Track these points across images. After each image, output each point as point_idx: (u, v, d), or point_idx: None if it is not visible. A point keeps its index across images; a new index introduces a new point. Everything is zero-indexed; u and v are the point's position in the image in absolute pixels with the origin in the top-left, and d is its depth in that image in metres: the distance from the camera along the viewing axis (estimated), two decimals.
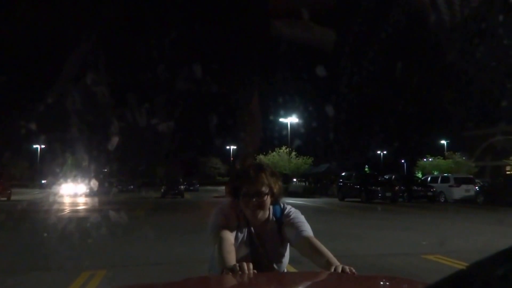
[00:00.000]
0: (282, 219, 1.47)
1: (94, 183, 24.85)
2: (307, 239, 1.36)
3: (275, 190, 1.42)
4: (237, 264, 1.14)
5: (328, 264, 1.23)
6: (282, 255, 1.47)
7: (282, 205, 1.50)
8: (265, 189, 1.39)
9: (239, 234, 1.42)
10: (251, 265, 1.13)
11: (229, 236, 1.35)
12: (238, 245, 1.40)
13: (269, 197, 1.41)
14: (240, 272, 1.11)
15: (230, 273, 1.12)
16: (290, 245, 1.45)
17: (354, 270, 1.17)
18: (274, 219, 1.47)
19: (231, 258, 1.22)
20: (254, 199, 1.38)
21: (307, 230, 1.42)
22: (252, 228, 1.45)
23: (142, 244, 6.39)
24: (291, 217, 1.46)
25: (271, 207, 1.48)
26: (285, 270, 1.52)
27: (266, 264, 1.43)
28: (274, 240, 1.46)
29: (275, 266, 1.45)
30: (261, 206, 1.40)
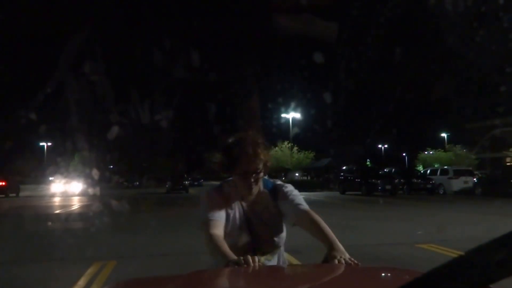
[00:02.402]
0: (275, 190, 1.46)
1: (97, 180, 24.61)
2: (306, 213, 1.35)
3: (268, 164, 1.40)
4: (242, 258, 1.11)
5: (331, 248, 1.22)
6: (280, 225, 1.43)
7: (271, 180, 1.50)
8: (262, 165, 1.37)
9: (230, 210, 1.40)
10: (256, 258, 1.12)
11: (219, 227, 1.32)
12: (231, 221, 1.38)
13: (262, 171, 1.39)
14: (245, 265, 1.09)
15: (236, 266, 1.10)
16: (289, 221, 1.42)
17: (356, 261, 1.17)
18: (266, 190, 1.46)
19: (230, 251, 1.20)
20: (252, 177, 1.36)
21: (304, 203, 1.40)
22: (243, 203, 1.43)
23: (150, 236, 6.59)
24: (287, 190, 1.44)
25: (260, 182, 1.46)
26: (282, 248, 1.48)
27: (265, 236, 1.40)
28: (269, 210, 1.43)
29: (274, 238, 1.41)
30: (257, 181, 1.39)
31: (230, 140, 1.41)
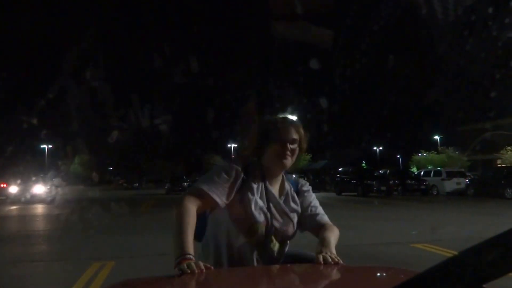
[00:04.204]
0: (298, 185, 1.43)
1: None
2: (325, 226, 1.32)
3: (304, 146, 1.36)
4: (186, 264, 1.01)
5: (320, 244, 1.21)
6: (295, 219, 1.37)
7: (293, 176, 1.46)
8: (297, 137, 1.34)
9: (254, 185, 1.30)
10: (201, 264, 1.03)
11: (200, 201, 1.19)
12: (253, 202, 1.28)
13: (298, 148, 1.35)
14: (188, 271, 0.99)
15: (180, 271, 1.01)
16: (303, 227, 1.37)
17: (337, 259, 1.15)
18: (291, 185, 1.41)
19: (190, 241, 1.09)
20: (289, 145, 1.31)
21: (325, 215, 1.38)
22: (268, 186, 1.34)
23: (148, 236, 6.55)
24: (309, 191, 1.42)
25: (284, 174, 1.41)
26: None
27: (281, 224, 1.33)
28: (292, 200, 1.38)
29: (288, 228, 1.34)
30: (293, 153, 1.33)
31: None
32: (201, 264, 1.03)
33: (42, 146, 43.59)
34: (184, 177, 29.34)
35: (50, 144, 43.73)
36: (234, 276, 1.15)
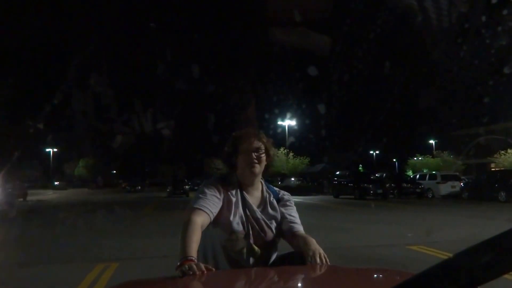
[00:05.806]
0: (279, 197, 1.45)
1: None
2: (303, 238, 1.31)
3: (270, 152, 1.42)
4: (187, 266, 1.02)
5: (305, 244, 1.23)
6: (274, 226, 1.40)
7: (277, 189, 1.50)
8: (263, 146, 1.39)
9: (232, 197, 1.36)
10: (202, 265, 1.04)
11: (202, 217, 1.24)
12: (226, 208, 1.34)
13: (265, 156, 1.39)
14: (190, 272, 1.00)
15: (182, 272, 1.01)
16: (281, 234, 1.39)
17: (327, 260, 1.19)
18: (270, 193, 1.44)
19: (194, 247, 1.12)
20: (254, 154, 1.36)
21: (301, 226, 1.40)
22: (244, 192, 1.39)
23: (151, 238, 6.52)
24: (290, 205, 1.44)
25: (263, 183, 1.44)
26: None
27: (262, 228, 1.36)
28: (271, 208, 1.41)
29: (266, 234, 1.36)
30: (260, 160, 1.38)
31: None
32: (202, 266, 1.04)
33: (47, 150, 43.59)
34: (186, 180, 29.25)
35: (55, 148, 43.72)
36: (235, 277, 1.15)
